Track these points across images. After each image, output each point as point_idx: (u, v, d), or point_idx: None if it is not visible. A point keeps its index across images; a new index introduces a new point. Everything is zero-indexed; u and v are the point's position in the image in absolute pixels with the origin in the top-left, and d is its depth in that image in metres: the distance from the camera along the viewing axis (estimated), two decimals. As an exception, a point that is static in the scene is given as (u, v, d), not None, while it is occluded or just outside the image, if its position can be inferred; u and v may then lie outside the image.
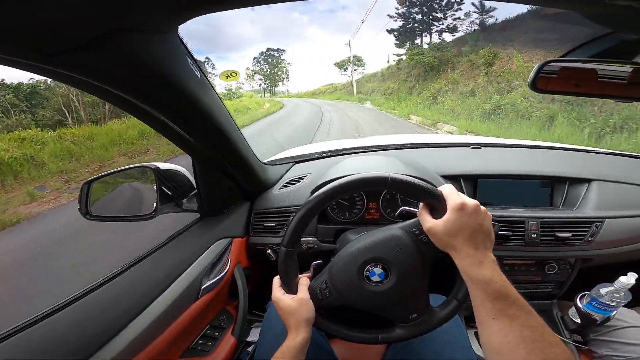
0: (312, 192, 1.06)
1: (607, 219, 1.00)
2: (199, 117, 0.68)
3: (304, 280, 0.69)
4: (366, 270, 0.63)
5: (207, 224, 1.01)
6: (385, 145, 1.33)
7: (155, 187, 0.89)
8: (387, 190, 1.06)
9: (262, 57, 72.05)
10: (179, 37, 0.55)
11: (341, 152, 1.30)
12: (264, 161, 1.20)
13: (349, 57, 41.90)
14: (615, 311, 0.95)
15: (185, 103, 0.62)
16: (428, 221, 0.58)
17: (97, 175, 0.89)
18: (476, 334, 1.10)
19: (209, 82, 0.69)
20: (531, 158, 1.21)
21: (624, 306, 0.95)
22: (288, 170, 1.24)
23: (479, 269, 0.52)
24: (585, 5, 0.42)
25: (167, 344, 0.76)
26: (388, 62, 28.50)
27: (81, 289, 0.71)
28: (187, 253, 0.89)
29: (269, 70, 71.78)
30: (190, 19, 0.49)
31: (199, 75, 0.63)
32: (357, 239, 0.71)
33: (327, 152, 1.32)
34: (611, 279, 0.93)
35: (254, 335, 1.09)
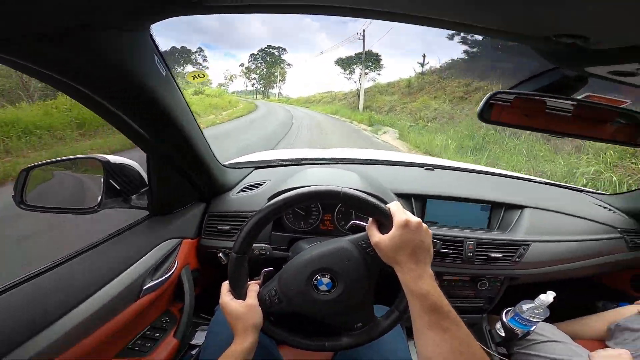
0: (270, 199, 1.07)
1: (533, 242, 1.12)
2: (159, 114, 0.68)
3: (253, 287, 0.70)
4: (314, 280, 0.66)
5: (156, 222, 0.97)
6: (347, 159, 1.38)
7: (102, 180, 0.85)
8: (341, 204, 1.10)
9: (261, 54, 64.91)
10: (151, 35, 0.56)
11: (302, 162, 1.32)
12: (224, 163, 1.19)
13: (359, 54, 28.51)
14: (535, 326, 1.05)
15: (145, 100, 0.62)
16: (375, 236, 0.62)
17: (38, 163, 0.83)
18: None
19: (175, 81, 0.69)
20: (476, 183, 1.32)
21: (544, 321, 1.06)
22: (247, 175, 1.24)
23: (419, 283, 0.56)
24: (533, 41, 0.47)
25: (101, 342, 0.73)
26: (423, 64, 20.15)
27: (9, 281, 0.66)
28: (130, 251, 0.86)
29: (265, 69, 65.11)
30: (161, 20, 0.50)
31: (164, 74, 0.63)
32: (308, 248, 0.73)
33: (288, 160, 1.33)
34: (534, 297, 1.04)
35: (199, 338, 1.06)
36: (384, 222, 0.63)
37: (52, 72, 0.46)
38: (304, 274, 0.66)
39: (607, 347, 1.08)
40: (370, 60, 28.53)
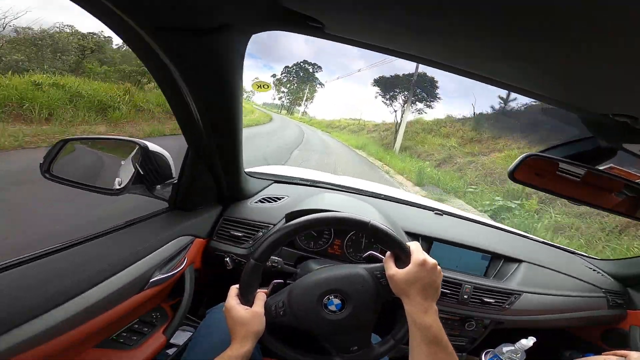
0: (287, 215, 1.09)
1: (524, 293, 1.19)
2: (224, 114, 0.73)
3: (261, 295, 0.71)
4: (326, 299, 0.69)
5: (175, 216, 0.97)
6: (362, 190, 1.43)
7: (133, 165, 0.85)
8: (354, 232, 1.14)
9: (295, 68, 60.35)
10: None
11: (320, 185, 1.36)
12: (246, 170, 1.21)
13: (409, 75, 18.39)
14: None
15: (221, 98, 0.67)
16: (392, 268, 0.67)
17: (77, 136, 0.83)
18: None
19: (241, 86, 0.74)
20: (480, 233, 1.39)
21: None
22: (266, 187, 1.26)
23: (424, 316, 0.61)
24: (588, 115, 0.52)
25: (92, 331, 0.69)
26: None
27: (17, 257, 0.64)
28: (146, 242, 0.84)
29: (296, 84, 60.75)
30: (266, 30, 0.55)
31: (241, 77, 0.67)
32: (321, 269, 0.77)
33: (307, 180, 1.37)
34: (511, 341, 1.08)
35: (177, 338, 1.02)
36: (402, 257, 0.68)
37: (172, 61, 0.51)
38: (317, 292, 0.69)
39: None
40: (423, 85, 19.23)
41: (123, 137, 0.88)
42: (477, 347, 1.22)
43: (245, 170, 1.23)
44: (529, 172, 0.72)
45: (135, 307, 0.82)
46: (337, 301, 0.69)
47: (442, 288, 1.08)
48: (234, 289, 0.71)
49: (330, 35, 0.49)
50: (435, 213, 1.40)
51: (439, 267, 0.66)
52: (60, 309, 0.60)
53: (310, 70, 60.32)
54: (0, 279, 0.59)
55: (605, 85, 0.43)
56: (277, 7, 0.43)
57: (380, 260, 0.73)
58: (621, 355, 1.09)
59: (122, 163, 0.90)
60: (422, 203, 1.47)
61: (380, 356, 0.72)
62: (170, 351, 0.98)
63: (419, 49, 0.48)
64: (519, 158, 0.72)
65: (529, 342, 1.04)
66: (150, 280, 0.82)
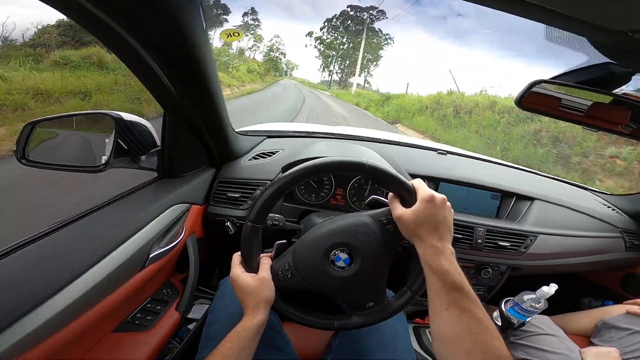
0: (283, 168, 1.04)
1: (540, 235, 1.13)
2: (192, 68, 0.65)
3: (266, 260, 0.67)
4: (332, 255, 0.64)
5: (166, 185, 0.93)
6: (360, 136, 1.35)
7: (111, 138, 0.80)
8: (355, 179, 1.08)
9: (341, 19, 38.16)
10: None
11: (316, 135, 1.29)
12: (237, 130, 1.15)
13: None
14: (531, 317, 1.07)
15: (182, 51, 0.60)
16: (398, 209, 0.61)
17: (45, 117, 0.77)
18: (414, 329, 1.19)
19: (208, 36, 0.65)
20: (488, 171, 1.32)
21: (540, 314, 1.09)
22: (259, 143, 1.20)
23: (439, 259, 0.55)
24: (605, 33, 0.45)
25: (102, 315, 0.67)
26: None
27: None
28: (138, 214, 0.79)
29: (345, 43, 38.11)
30: None
31: (204, 26, 0.59)
32: (323, 222, 0.71)
33: (301, 132, 1.30)
34: (531, 289, 1.06)
35: (196, 313, 1.03)
36: (407, 197, 0.61)
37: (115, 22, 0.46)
38: (321, 249, 0.64)
39: (592, 343, 1.12)
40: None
41: (93, 111, 0.82)
42: (495, 296, 1.20)
43: (236, 129, 1.17)
44: (537, 99, 0.66)
45: (142, 286, 0.80)
46: (344, 256, 0.64)
47: (454, 233, 1.07)
48: (236, 257, 0.67)
49: None
50: (439, 153, 1.32)
51: (448, 203, 0.60)
52: (60, 295, 0.57)
53: (367, 18, 37.55)
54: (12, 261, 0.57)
55: None
56: None
57: (385, 205, 0.67)
58: None
59: (101, 137, 0.85)
60: (424, 144, 1.39)
61: (397, 310, 0.68)
62: (191, 326, 0.98)
63: None
64: (526, 85, 0.66)
65: (550, 289, 1.00)
66: (150, 256, 0.79)
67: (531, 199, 1.19)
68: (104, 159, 0.82)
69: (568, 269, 1.21)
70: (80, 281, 0.60)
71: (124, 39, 0.53)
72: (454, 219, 1.04)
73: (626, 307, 1.12)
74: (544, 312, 1.21)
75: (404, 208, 0.60)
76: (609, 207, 1.36)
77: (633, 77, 0.63)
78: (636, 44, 0.44)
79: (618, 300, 1.24)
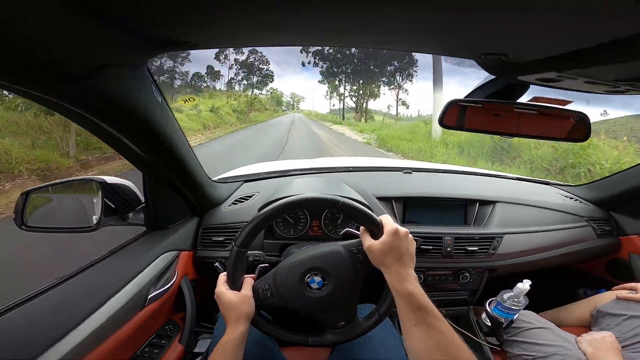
0: (260, 209, 1.13)
1: (505, 235, 1.20)
2: (154, 136, 0.74)
3: (248, 280, 0.76)
4: (307, 277, 0.73)
5: (154, 237, 1.03)
6: (330, 167, 1.46)
7: (99, 200, 0.90)
8: (328, 210, 1.17)
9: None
10: (148, 68, 0.64)
11: (288, 173, 1.39)
12: (214, 179, 1.25)
13: None
14: (517, 314, 1.11)
15: (143, 125, 0.69)
16: (368, 241, 0.70)
17: (37, 186, 0.88)
18: None
19: (168, 105, 0.77)
20: (451, 182, 1.41)
21: (527, 310, 1.13)
22: (237, 189, 1.30)
23: (405, 284, 0.63)
24: (468, 58, 0.56)
25: (110, 351, 0.76)
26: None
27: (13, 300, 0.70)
28: (133, 263, 0.90)
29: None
30: (157, 55, 0.58)
31: (159, 101, 0.70)
32: (302, 250, 0.81)
33: (275, 172, 1.40)
34: (513, 287, 1.10)
35: (201, 347, 1.10)
36: (375, 231, 0.70)
37: (71, 105, 0.54)
38: (298, 272, 0.73)
39: None
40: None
41: (79, 178, 0.92)
42: (481, 298, 1.25)
43: (215, 178, 1.28)
44: (457, 116, 0.75)
45: (146, 323, 0.89)
46: (318, 279, 0.73)
47: (424, 245, 1.14)
48: (222, 277, 0.76)
49: (205, 47, 0.52)
50: (404, 172, 1.42)
51: (410, 235, 0.69)
52: (69, 336, 0.66)
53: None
54: (4, 322, 0.65)
55: (469, 29, 0.45)
56: (143, 39, 0.47)
57: (356, 236, 0.76)
58: (631, 289, 1.13)
59: (90, 200, 0.95)
60: (390, 166, 1.50)
61: (367, 330, 0.76)
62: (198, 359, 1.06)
63: (293, 38, 0.51)
64: (444, 105, 0.76)
65: (524, 285, 1.06)
66: (149, 297, 0.89)
67: (493, 202, 1.27)
68: (95, 219, 0.92)
69: (544, 263, 1.26)
70: (86, 323, 0.70)
71: (90, 119, 0.63)
72: (423, 233, 1.15)
73: (615, 292, 1.15)
74: (541, 308, 1.23)
75: (373, 240, 0.69)
76: (571, 198, 1.42)
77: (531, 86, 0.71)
78: (496, 62, 0.54)
79: (610, 287, 1.26)
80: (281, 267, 0.76)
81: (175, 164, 0.89)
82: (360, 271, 0.74)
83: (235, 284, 0.74)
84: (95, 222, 0.91)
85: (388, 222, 0.70)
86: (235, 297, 0.71)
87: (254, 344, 0.82)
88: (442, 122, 0.77)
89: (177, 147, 0.84)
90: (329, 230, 1.18)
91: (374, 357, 0.83)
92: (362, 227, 0.73)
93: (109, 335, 0.75)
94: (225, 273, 0.76)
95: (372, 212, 0.72)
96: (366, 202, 1.16)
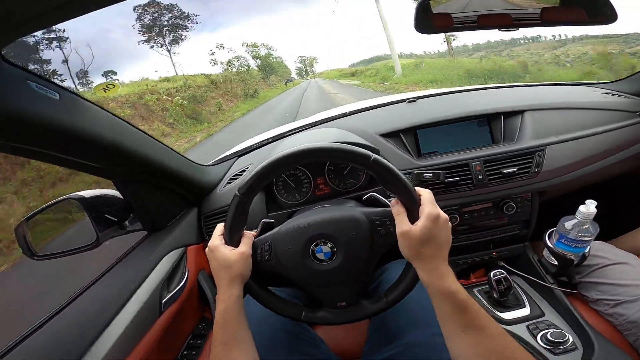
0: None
1: (547, 146, 0.98)
2: (82, 142, 0.63)
3: (248, 235, 0.65)
4: (314, 245, 0.61)
5: (155, 238, 0.99)
6: (326, 118, 1.30)
7: (86, 217, 0.88)
8: (330, 163, 1.04)
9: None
10: (8, 60, 0.49)
11: (281, 136, 1.27)
12: (208, 163, 1.18)
13: None
14: (589, 246, 0.88)
15: (52, 132, 0.56)
16: (405, 224, 0.55)
17: (26, 216, 0.88)
18: None
19: (85, 98, 0.65)
20: (464, 101, 1.19)
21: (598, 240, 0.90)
22: (231, 167, 1.21)
23: (445, 281, 0.52)
24: None
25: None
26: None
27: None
28: (137, 270, 0.87)
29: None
30: (11, 42, 0.46)
31: (57, 97, 0.57)
32: (313, 210, 0.69)
33: (267, 139, 1.29)
34: (575, 211, 0.86)
35: None
36: (410, 208, 0.56)
37: None
38: (303, 237, 0.61)
39: None
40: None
41: (57, 200, 0.90)
42: (539, 230, 1.04)
43: (207, 163, 1.20)
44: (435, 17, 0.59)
45: (172, 329, 0.88)
46: (326, 248, 0.60)
47: (449, 177, 0.97)
48: (219, 227, 0.65)
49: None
50: (408, 102, 1.22)
51: (449, 223, 0.57)
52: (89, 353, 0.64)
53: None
54: (32, 342, 0.66)
55: None
56: None
57: (383, 205, 0.63)
58: None
59: (84, 218, 0.94)
60: (390, 100, 1.30)
61: (368, 316, 0.63)
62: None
63: None
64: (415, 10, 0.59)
65: (589, 207, 0.82)
66: (163, 302, 0.86)
67: (520, 112, 1.04)
68: (93, 236, 0.91)
69: (604, 174, 1.02)
70: (101, 339, 0.67)
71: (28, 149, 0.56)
72: (444, 163, 0.99)
73: None
74: (612, 234, 0.99)
75: (410, 224, 0.55)
76: (613, 94, 1.13)
77: None
78: None
79: None
80: (284, 228, 0.63)
81: (136, 163, 0.80)
82: (378, 248, 0.60)
83: (232, 239, 0.62)
84: (94, 238, 0.90)
85: (429, 201, 0.56)
86: (230, 254, 0.60)
87: (279, 327, 0.74)
88: (420, 26, 0.60)
89: (126, 145, 0.74)
90: (336, 184, 1.05)
91: (412, 323, 0.72)
92: (395, 201, 0.58)
93: (130, 348, 0.73)
94: (222, 224, 0.64)
95: (401, 173, 0.56)
96: (369, 144, 0.99)
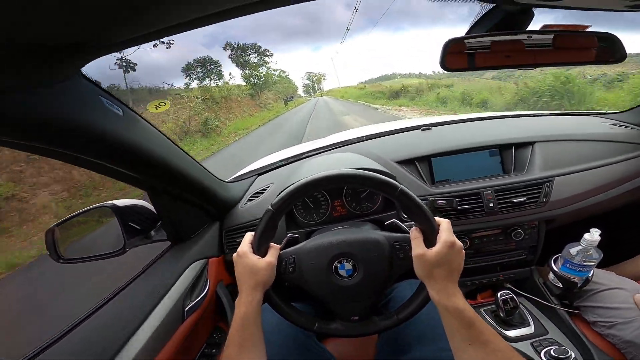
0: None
1: (556, 178, 1.03)
2: (132, 154, 0.68)
3: (275, 247, 0.70)
4: (338, 262, 0.66)
5: (179, 249, 1.03)
6: (344, 141, 1.36)
7: (117, 224, 0.91)
8: (348, 187, 1.09)
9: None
10: (86, 78, 0.55)
11: (301, 157, 1.32)
12: (228, 179, 1.23)
13: None
14: (592, 271, 0.94)
15: (112, 144, 0.62)
16: (420, 247, 0.61)
17: (58, 222, 0.91)
18: None
19: (140, 116, 0.70)
20: (477, 130, 1.24)
21: (600, 267, 0.96)
22: (251, 185, 1.26)
23: (453, 299, 0.57)
24: None
25: None
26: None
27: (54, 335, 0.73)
28: (164, 279, 0.91)
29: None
30: (89, 62, 0.51)
31: (121, 113, 0.63)
32: (335, 230, 0.75)
33: (287, 159, 1.34)
34: (579, 238, 0.93)
35: None
36: (429, 236, 0.62)
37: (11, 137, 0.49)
38: (329, 254, 0.67)
39: None
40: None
41: (92, 206, 0.94)
42: (545, 257, 1.10)
43: (227, 179, 1.25)
44: (459, 57, 0.65)
45: (191, 336, 0.91)
46: (348, 266, 0.66)
47: (461, 205, 1.03)
48: (249, 236, 0.70)
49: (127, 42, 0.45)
50: (423, 129, 1.28)
51: (463, 250, 0.62)
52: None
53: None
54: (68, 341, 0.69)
55: None
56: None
57: (403, 231, 0.68)
58: None
59: (113, 225, 0.98)
60: (405, 126, 1.36)
61: (378, 331, 0.69)
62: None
63: None
64: (441, 47, 0.65)
65: (593, 235, 0.88)
66: (186, 310, 0.90)
67: (530, 143, 1.09)
68: (121, 243, 0.94)
69: (609, 205, 1.07)
70: (132, 341, 0.71)
71: (66, 154, 0.59)
72: (457, 191, 1.05)
73: None
74: (612, 260, 1.05)
75: (426, 248, 0.61)
76: (620, 125, 1.20)
77: (535, 10, 0.59)
78: None
79: None
80: (310, 244, 0.69)
81: (171, 176, 0.85)
82: (396, 269, 0.66)
83: (260, 249, 0.67)
84: (121, 246, 0.93)
85: (446, 230, 0.62)
86: (258, 262, 0.65)
87: (289, 338, 0.78)
88: (445, 65, 0.66)
89: (166, 159, 0.79)
90: (353, 207, 1.09)
91: (419, 338, 0.76)
92: (415, 228, 0.64)
93: (155, 353, 0.76)
94: (252, 233, 0.69)
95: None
96: (387, 170, 1.05)
